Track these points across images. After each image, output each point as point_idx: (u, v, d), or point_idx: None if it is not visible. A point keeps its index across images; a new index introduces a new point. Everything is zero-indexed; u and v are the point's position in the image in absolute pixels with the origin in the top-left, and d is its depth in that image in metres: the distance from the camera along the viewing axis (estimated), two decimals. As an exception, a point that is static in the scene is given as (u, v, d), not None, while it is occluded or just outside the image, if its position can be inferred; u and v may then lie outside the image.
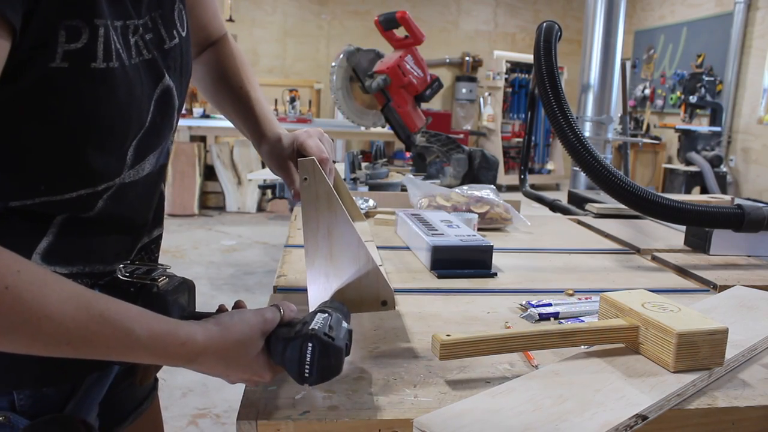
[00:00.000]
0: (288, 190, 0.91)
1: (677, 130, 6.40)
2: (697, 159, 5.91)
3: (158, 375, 0.88)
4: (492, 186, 1.68)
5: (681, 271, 1.25)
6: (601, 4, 3.63)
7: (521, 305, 0.99)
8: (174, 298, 0.64)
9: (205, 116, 5.86)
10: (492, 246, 1.18)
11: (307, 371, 0.59)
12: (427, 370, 0.75)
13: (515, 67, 8.33)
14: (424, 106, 2.38)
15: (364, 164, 2.48)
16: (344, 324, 0.65)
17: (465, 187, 1.65)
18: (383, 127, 2.64)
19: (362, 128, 2.93)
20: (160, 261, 0.78)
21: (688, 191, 5.80)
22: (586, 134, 3.69)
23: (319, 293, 0.77)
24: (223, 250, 4.66)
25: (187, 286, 0.67)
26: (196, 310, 0.68)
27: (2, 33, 0.49)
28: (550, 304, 0.97)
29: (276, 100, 6.42)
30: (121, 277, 0.66)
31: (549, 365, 0.74)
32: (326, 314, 0.64)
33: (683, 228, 1.48)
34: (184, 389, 2.57)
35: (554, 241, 1.48)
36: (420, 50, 2.27)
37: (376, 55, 2.40)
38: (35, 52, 0.53)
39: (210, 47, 0.95)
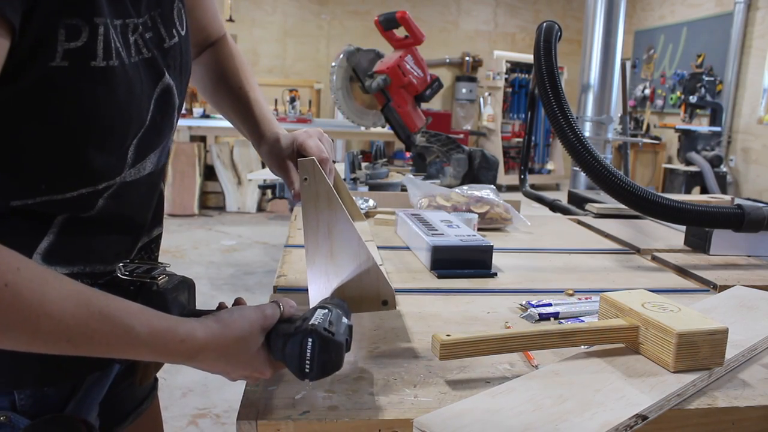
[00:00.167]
0: (288, 190, 0.91)
1: (677, 130, 6.40)
2: (697, 159, 5.91)
3: (158, 375, 0.88)
4: (492, 186, 1.68)
5: (681, 271, 1.25)
6: (601, 4, 3.63)
7: (521, 305, 0.99)
8: (174, 296, 0.64)
9: (205, 116, 5.86)
10: (492, 246, 1.18)
11: (307, 366, 0.59)
12: (427, 370, 0.75)
13: (515, 67, 8.33)
14: (424, 106, 2.38)
15: (364, 164, 2.48)
16: (344, 319, 0.65)
17: (465, 187, 1.65)
18: (383, 127, 2.64)
19: (362, 128, 2.93)
20: (160, 261, 0.78)
21: (688, 191, 5.80)
22: (586, 134, 3.69)
23: (320, 292, 0.77)
24: (223, 250, 4.67)
25: (186, 285, 0.67)
26: (196, 308, 0.68)
27: (2, 32, 0.49)
28: (550, 304, 0.97)
29: (276, 100, 6.42)
30: (120, 275, 0.66)
31: (549, 365, 0.74)
32: (326, 310, 0.64)
33: (683, 228, 1.48)
34: (184, 389, 2.57)
35: (554, 241, 1.48)
36: (420, 50, 2.27)
37: (376, 55, 2.40)
38: (35, 51, 0.53)
39: (209, 48, 0.95)
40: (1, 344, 0.49)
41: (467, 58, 8.83)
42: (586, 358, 0.75)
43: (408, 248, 1.34)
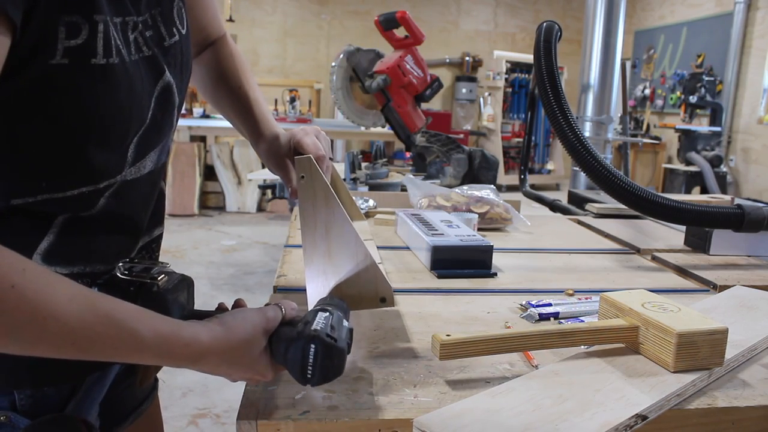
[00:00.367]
0: (287, 190, 0.91)
1: (677, 130, 6.40)
2: (697, 159, 5.91)
3: (158, 375, 0.88)
4: (492, 186, 1.68)
5: (681, 271, 1.25)
6: (601, 4, 3.63)
7: (521, 305, 0.99)
8: (174, 297, 0.64)
9: (205, 116, 5.85)
10: (492, 246, 1.18)
11: (309, 372, 0.59)
12: (427, 370, 0.75)
13: (515, 67, 8.33)
14: (424, 106, 2.38)
15: (364, 164, 2.48)
16: (345, 323, 0.65)
17: (465, 187, 1.65)
18: (383, 127, 2.64)
19: (362, 128, 2.93)
20: (159, 260, 0.78)
21: (688, 191, 5.80)
22: (586, 134, 3.69)
23: (317, 291, 0.77)
24: (223, 250, 4.66)
25: (186, 284, 0.67)
26: (195, 308, 0.68)
27: (3, 30, 0.49)
28: (550, 304, 0.97)
29: (276, 100, 6.42)
30: (119, 275, 0.66)
31: (549, 365, 0.74)
32: (327, 313, 0.63)
33: (683, 228, 1.48)
34: (184, 389, 2.58)
35: (554, 241, 1.48)
36: (420, 50, 2.27)
37: (376, 55, 2.40)
38: (35, 49, 0.53)
39: (209, 47, 0.96)
40: (7, 347, 0.48)
41: (467, 58, 8.83)
42: (586, 358, 0.75)
43: (408, 248, 1.34)
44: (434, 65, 8.42)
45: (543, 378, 0.70)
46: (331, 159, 0.87)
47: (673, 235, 1.56)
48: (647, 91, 8.33)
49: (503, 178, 7.88)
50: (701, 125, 6.43)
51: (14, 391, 0.65)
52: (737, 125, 6.85)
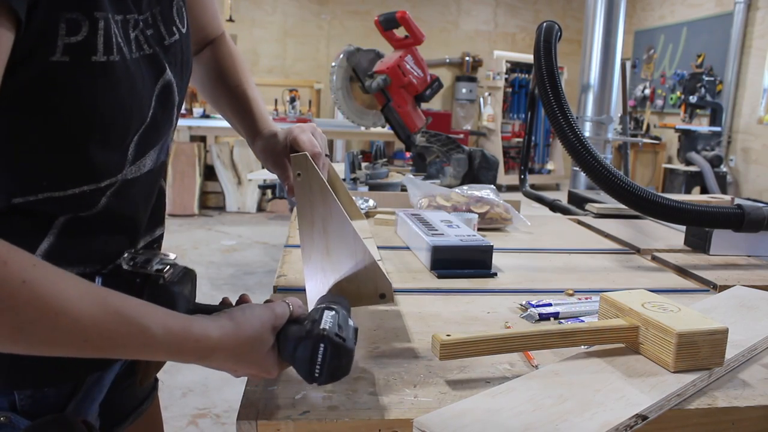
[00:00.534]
0: (285, 187, 0.91)
1: (677, 130, 6.40)
2: (697, 159, 5.91)
3: (158, 375, 0.88)
4: (492, 186, 1.68)
5: (681, 271, 1.25)
6: (601, 4, 3.63)
7: (521, 305, 0.99)
8: (180, 290, 0.63)
9: (205, 116, 5.86)
10: (492, 246, 1.18)
11: (317, 371, 0.59)
12: (427, 370, 0.75)
13: (515, 67, 8.33)
14: (424, 106, 2.38)
15: (364, 164, 2.48)
16: (350, 322, 0.65)
17: (465, 187, 1.65)
18: (383, 127, 2.63)
19: (362, 128, 2.93)
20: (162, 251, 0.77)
21: (688, 191, 5.80)
22: (586, 134, 3.69)
23: (316, 288, 0.77)
24: (223, 250, 4.66)
25: (190, 277, 0.66)
26: (199, 302, 0.68)
27: (7, 24, 0.49)
28: (550, 304, 0.97)
29: (276, 100, 6.42)
30: (124, 266, 0.65)
31: (549, 365, 0.74)
32: (333, 312, 0.63)
33: (683, 228, 1.48)
34: (184, 389, 2.57)
35: (554, 241, 1.48)
36: (420, 50, 2.27)
37: (376, 55, 2.39)
38: (36, 45, 0.53)
39: (208, 46, 0.96)
40: (18, 345, 0.48)
41: (467, 58, 8.83)
42: (586, 358, 0.75)
43: (408, 248, 1.34)
44: (434, 65, 8.42)
45: (543, 378, 0.70)
46: (327, 156, 0.87)
47: (673, 235, 1.56)
48: (647, 91, 8.33)
49: (503, 178, 7.89)
50: (701, 125, 6.43)
51: (14, 392, 0.65)
52: (737, 125, 6.85)
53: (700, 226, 1.36)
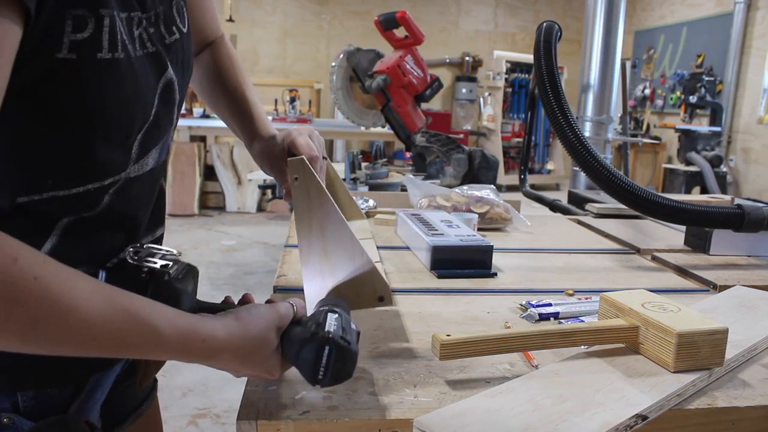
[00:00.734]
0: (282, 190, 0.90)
1: (677, 130, 6.40)
2: (697, 159, 5.91)
3: (157, 375, 0.88)
4: (492, 186, 1.68)
5: (681, 271, 1.25)
6: (601, 4, 3.64)
7: (521, 305, 0.99)
8: (184, 287, 0.63)
9: (205, 116, 5.85)
10: (492, 246, 1.18)
11: (321, 373, 0.59)
12: (427, 370, 0.75)
13: (515, 67, 8.33)
14: (424, 106, 2.38)
15: (364, 164, 2.48)
16: (353, 325, 0.65)
17: (465, 187, 1.65)
18: (383, 127, 2.64)
19: (362, 128, 2.93)
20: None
21: (688, 191, 5.80)
22: (586, 134, 3.69)
23: (315, 291, 0.77)
24: (223, 250, 4.66)
25: (192, 274, 0.66)
26: (202, 300, 0.68)
27: (16, 18, 0.49)
28: (550, 304, 0.97)
29: (276, 100, 6.42)
30: (129, 259, 0.65)
31: (549, 365, 0.74)
32: (337, 314, 0.63)
33: (683, 228, 1.48)
34: (184, 389, 2.57)
35: (554, 241, 1.48)
36: (420, 50, 2.27)
37: (376, 55, 2.39)
38: (42, 42, 0.53)
39: (207, 48, 0.96)
40: (29, 344, 0.47)
41: (467, 58, 8.83)
42: (586, 358, 0.75)
43: (408, 248, 1.34)
44: (434, 65, 8.43)
45: (543, 378, 0.70)
46: (325, 158, 0.87)
47: (673, 235, 1.56)
48: (647, 91, 8.33)
49: (503, 178, 7.89)
50: (701, 125, 6.43)
51: (17, 393, 0.64)
52: (737, 125, 6.85)
53: (700, 226, 1.36)
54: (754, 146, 6.62)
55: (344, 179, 2.23)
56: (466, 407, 0.63)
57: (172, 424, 2.32)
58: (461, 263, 1.16)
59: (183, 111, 4.72)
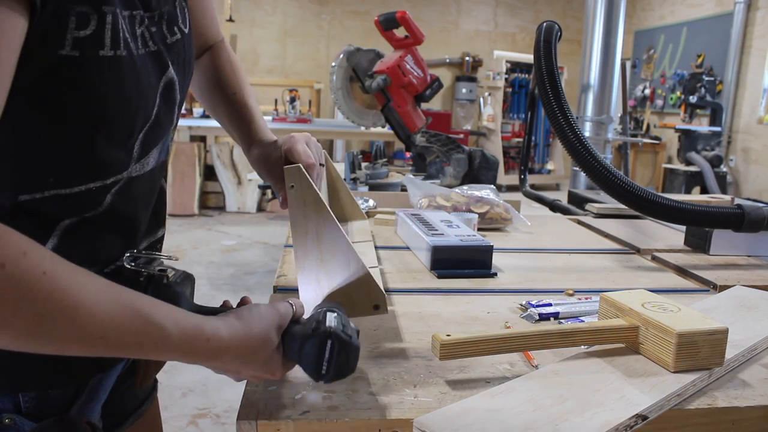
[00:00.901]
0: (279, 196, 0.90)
1: (677, 130, 6.40)
2: (697, 159, 5.91)
3: (157, 376, 0.88)
4: (492, 186, 1.69)
5: (681, 271, 1.25)
6: (601, 4, 3.64)
7: (521, 305, 0.99)
8: (182, 290, 0.64)
9: (205, 116, 5.85)
10: (492, 246, 1.18)
11: (324, 369, 0.60)
12: (427, 370, 0.75)
13: (515, 67, 8.33)
14: (424, 106, 2.38)
15: (364, 164, 2.48)
16: (352, 324, 0.65)
17: (465, 187, 1.65)
18: (383, 127, 2.64)
19: (362, 128, 2.93)
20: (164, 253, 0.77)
21: (688, 191, 5.80)
22: (586, 134, 3.69)
23: (311, 298, 0.77)
24: (223, 250, 4.66)
25: (190, 280, 0.67)
26: (200, 304, 0.68)
27: (22, 11, 0.49)
28: (550, 304, 0.97)
29: (276, 100, 6.41)
30: (127, 265, 0.65)
31: (549, 365, 0.74)
32: (335, 313, 0.64)
33: (683, 228, 1.48)
34: (184, 389, 2.57)
35: (554, 241, 1.48)
36: (420, 50, 2.27)
37: (376, 55, 2.40)
38: (45, 38, 0.53)
39: (206, 52, 0.96)
40: (36, 341, 0.47)
41: (467, 58, 8.83)
42: (586, 358, 0.75)
43: (408, 248, 1.34)
44: (434, 65, 8.43)
45: (543, 378, 0.70)
46: (322, 165, 0.87)
47: (673, 235, 1.56)
48: (647, 91, 8.33)
49: (503, 178, 7.89)
50: (701, 125, 6.43)
51: (19, 394, 0.64)
52: (737, 125, 6.85)
53: (700, 226, 1.36)
54: (754, 146, 6.62)
55: (344, 179, 2.23)
56: (466, 407, 0.63)
57: (172, 424, 2.32)
58: (461, 263, 1.16)
59: (183, 111, 4.72)
